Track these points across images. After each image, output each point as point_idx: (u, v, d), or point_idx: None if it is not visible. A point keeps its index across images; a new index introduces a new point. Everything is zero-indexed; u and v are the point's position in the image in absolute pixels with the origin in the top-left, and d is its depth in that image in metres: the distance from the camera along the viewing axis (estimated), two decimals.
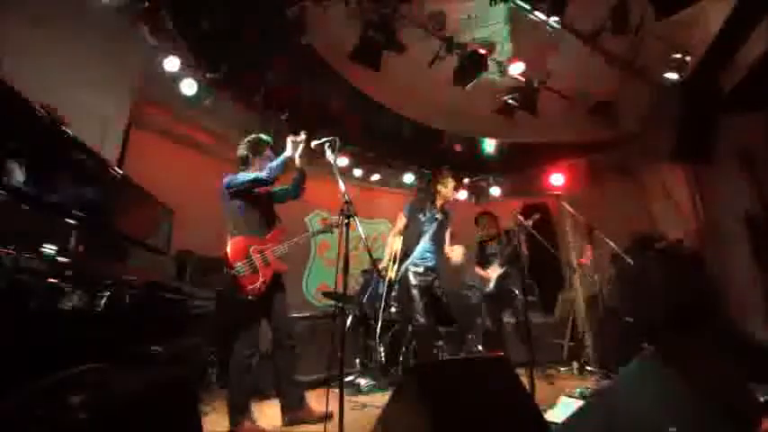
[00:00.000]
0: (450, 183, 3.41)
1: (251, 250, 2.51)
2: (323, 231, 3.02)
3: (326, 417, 2.32)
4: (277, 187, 2.79)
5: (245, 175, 2.60)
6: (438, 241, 3.34)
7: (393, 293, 4.44)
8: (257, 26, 3.88)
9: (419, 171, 6.56)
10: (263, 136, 2.83)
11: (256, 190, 2.63)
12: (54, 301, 1.64)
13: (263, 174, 2.57)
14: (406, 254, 3.30)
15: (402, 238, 3.42)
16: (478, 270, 4.33)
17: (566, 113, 4.84)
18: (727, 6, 3.17)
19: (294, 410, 2.55)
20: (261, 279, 2.47)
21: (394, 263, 3.37)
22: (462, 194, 6.55)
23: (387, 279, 3.44)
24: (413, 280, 3.19)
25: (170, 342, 2.49)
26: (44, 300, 1.61)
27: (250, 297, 2.43)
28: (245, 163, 2.73)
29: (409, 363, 3.72)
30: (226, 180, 2.60)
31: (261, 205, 2.67)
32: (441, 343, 4.01)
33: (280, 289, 2.67)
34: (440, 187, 3.38)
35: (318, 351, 3.69)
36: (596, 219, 3.68)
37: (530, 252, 4.03)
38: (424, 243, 3.25)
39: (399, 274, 3.28)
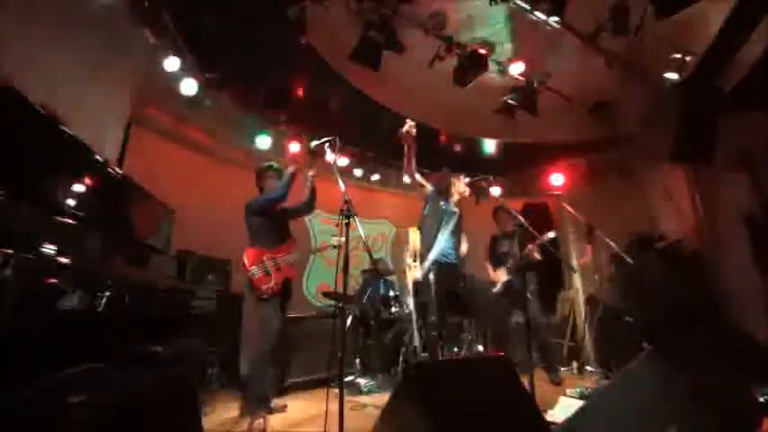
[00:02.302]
0: (461, 182, 3.43)
1: (264, 257, 2.86)
2: (323, 249, 3.62)
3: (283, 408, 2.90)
4: (292, 206, 3.20)
5: (259, 199, 3.04)
6: (458, 236, 3.29)
7: (393, 293, 4.45)
8: (257, 26, 3.87)
9: (419, 171, 6.55)
10: (263, 165, 3.23)
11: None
12: (54, 301, 1.64)
13: (273, 195, 2.99)
14: (427, 249, 3.21)
15: (419, 233, 3.37)
16: (488, 268, 4.29)
17: (566, 113, 4.83)
18: (727, 6, 3.16)
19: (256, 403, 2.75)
20: (274, 281, 2.81)
21: (414, 260, 3.37)
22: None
23: (412, 279, 3.40)
24: (433, 281, 3.12)
25: (170, 342, 2.49)
26: (44, 300, 1.61)
27: (265, 296, 2.75)
28: (262, 189, 3.16)
29: (409, 363, 3.72)
30: (247, 204, 3.00)
31: (275, 221, 3.05)
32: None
33: (287, 296, 3.00)
34: (453, 183, 3.38)
35: (318, 351, 3.69)
36: (596, 219, 3.67)
37: (541, 257, 3.98)
38: (445, 239, 3.16)
39: (423, 271, 3.19)
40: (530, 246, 3.76)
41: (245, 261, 2.79)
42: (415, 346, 3.57)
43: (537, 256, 3.88)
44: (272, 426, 2.57)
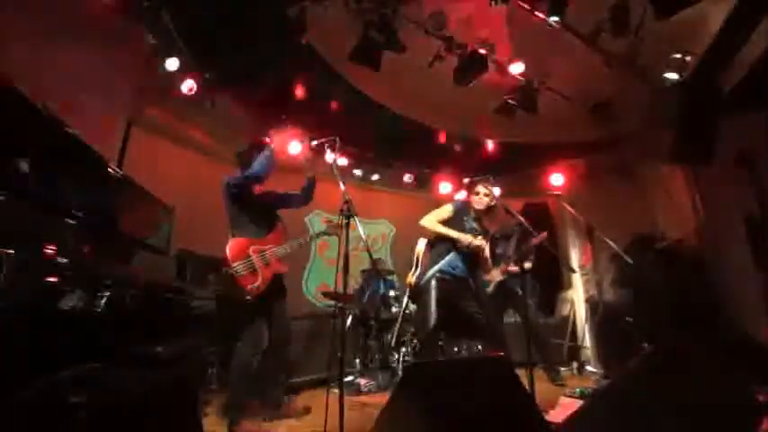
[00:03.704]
0: (482, 190, 3.16)
1: (250, 250, 2.52)
2: (324, 233, 2.92)
3: (306, 410, 2.74)
4: (285, 192, 2.92)
5: (234, 175, 2.67)
6: (471, 255, 3.06)
7: (394, 293, 4.45)
8: (257, 26, 3.87)
9: (419, 171, 6.56)
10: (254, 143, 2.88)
11: (254, 186, 2.69)
12: (54, 301, 1.64)
13: (250, 171, 2.60)
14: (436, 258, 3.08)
15: (427, 240, 3.25)
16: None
17: (566, 113, 4.83)
18: (727, 6, 3.16)
19: (273, 408, 2.67)
20: (260, 279, 2.48)
21: (416, 267, 3.29)
22: (462, 194, 6.58)
23: (407, 283, 3.46)
24: (434, 290, 2.96)
25: (170, 342, 2.49)
26: (44, 300, 1.61)
27: (249, 297, 2.44)
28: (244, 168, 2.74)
29: (409, 363, 3.73)
30: (224, 182, 2.63)
31: (262, 207, 2.71)
32: (441, 342, 3.99)
33: (280, 291, 2.70)
34: (472, 196, 3.20)
35: (318, 351, 3.69)
36: (596, 219, 3.67)
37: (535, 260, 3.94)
38: (457, 253, 3.04)
39: (422, 279, 3.06)
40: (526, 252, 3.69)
41: (228, 254, 2.44)
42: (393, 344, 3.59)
43: (528, 264, 3.63)
44: (272, 426, 2.57)
